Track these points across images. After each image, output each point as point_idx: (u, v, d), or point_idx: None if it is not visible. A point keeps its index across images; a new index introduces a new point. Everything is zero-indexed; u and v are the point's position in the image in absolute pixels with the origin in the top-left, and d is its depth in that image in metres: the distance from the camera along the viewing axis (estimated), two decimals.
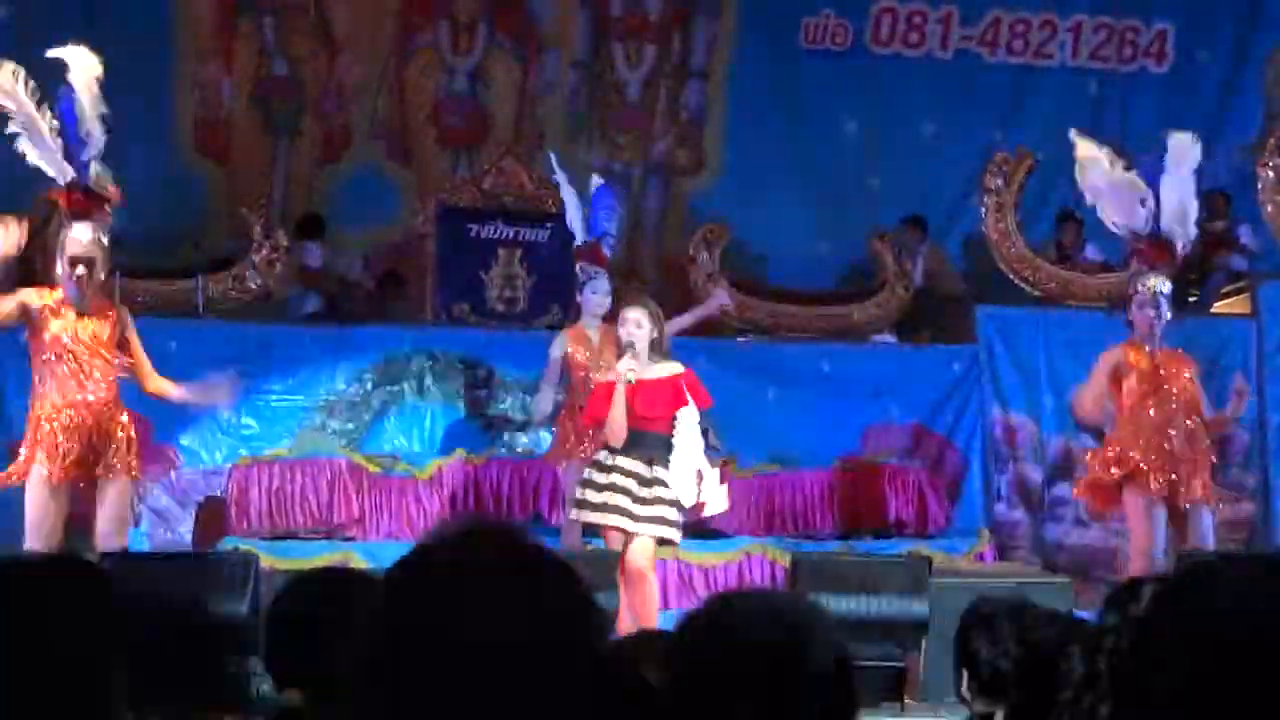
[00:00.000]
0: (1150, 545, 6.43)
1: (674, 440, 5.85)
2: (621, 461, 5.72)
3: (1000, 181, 8.85)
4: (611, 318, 6.54)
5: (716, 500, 5.94)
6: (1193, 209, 6.84)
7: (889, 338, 9.16)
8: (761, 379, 8.53)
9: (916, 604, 6.16)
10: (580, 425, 6.34)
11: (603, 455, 5.82)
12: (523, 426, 8.25)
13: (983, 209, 8.97)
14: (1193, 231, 6.88)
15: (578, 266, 7.13)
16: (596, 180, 7.30)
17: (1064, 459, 8.43)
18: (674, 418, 5.86)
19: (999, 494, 8.51)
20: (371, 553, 6.97)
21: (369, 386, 8.26)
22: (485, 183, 9.04)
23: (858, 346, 8.95)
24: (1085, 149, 6.97)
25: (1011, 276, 8.91)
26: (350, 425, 8.17)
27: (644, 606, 5.82)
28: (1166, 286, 6.74)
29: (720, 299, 7.17)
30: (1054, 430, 8.49)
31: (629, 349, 5.93)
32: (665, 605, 6.87)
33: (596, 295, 6.79)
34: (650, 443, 5.83)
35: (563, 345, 6.84)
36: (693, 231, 9.37)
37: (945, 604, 5.68)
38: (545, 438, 7.96)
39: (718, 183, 10.38)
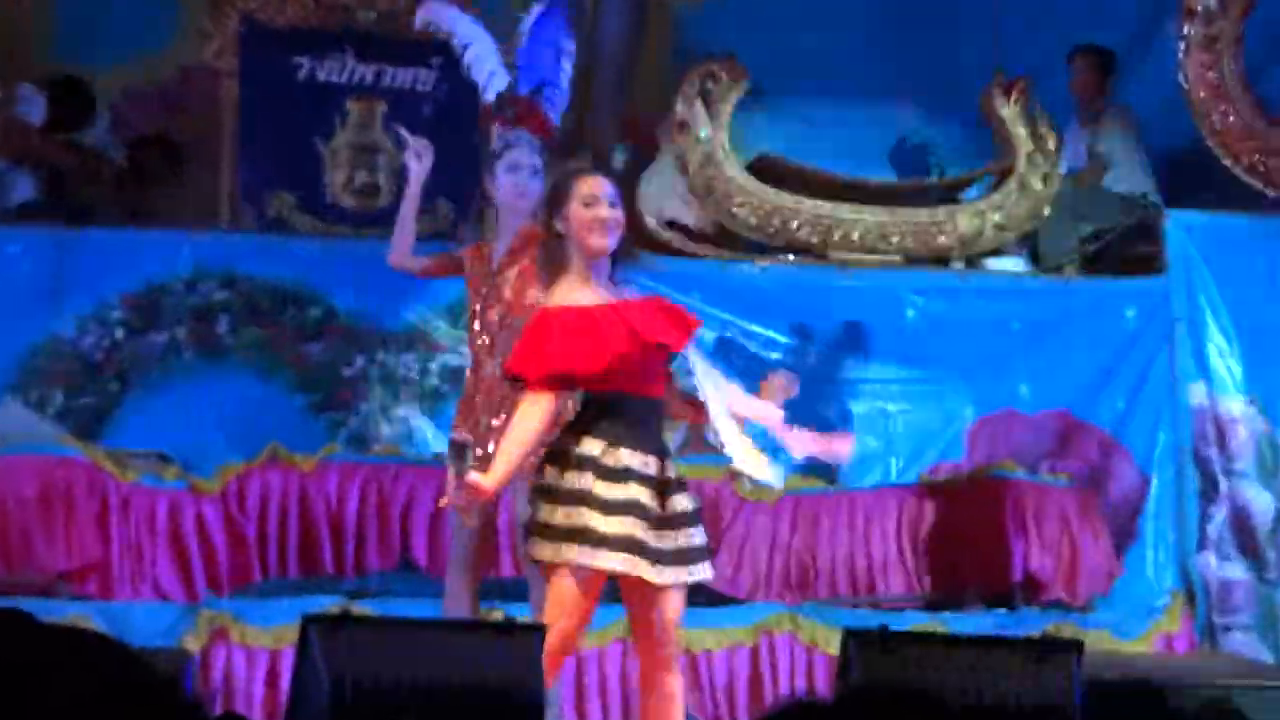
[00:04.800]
0: None
1: (700, 398, 5.81)
2: (632, 460, 5.62)
3: (1213, 1, 8.98)
4: None
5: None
6: None
7: (1016, 264, 9.27)
8: (797, 331, 8.81)
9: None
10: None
11: (589, 445, 5.61)
12: (386, 406, 8.42)
13: (1180, 44, 9.09)
14: None
15: (494, 129, 7.28)
16: None
17: None
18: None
19: (1204, 534, 8.65)
20: (117, 618, 7.08)
21: (118, 335, 8.37)
22: None
23: (962, 278, 9.11)
24: None
25: (1227, 161, 9.07)
26: (85, 401, 8.32)
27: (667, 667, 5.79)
28: None
29: (778, 392, 6.99)
30: None
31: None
32: None
33: (518, 177, 6.77)
34: (652, 419, 5.74)
35: (453, 259, 6.92)
36: (683, 71, 9.36)
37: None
38: (424, 426, 8.20)
39: None
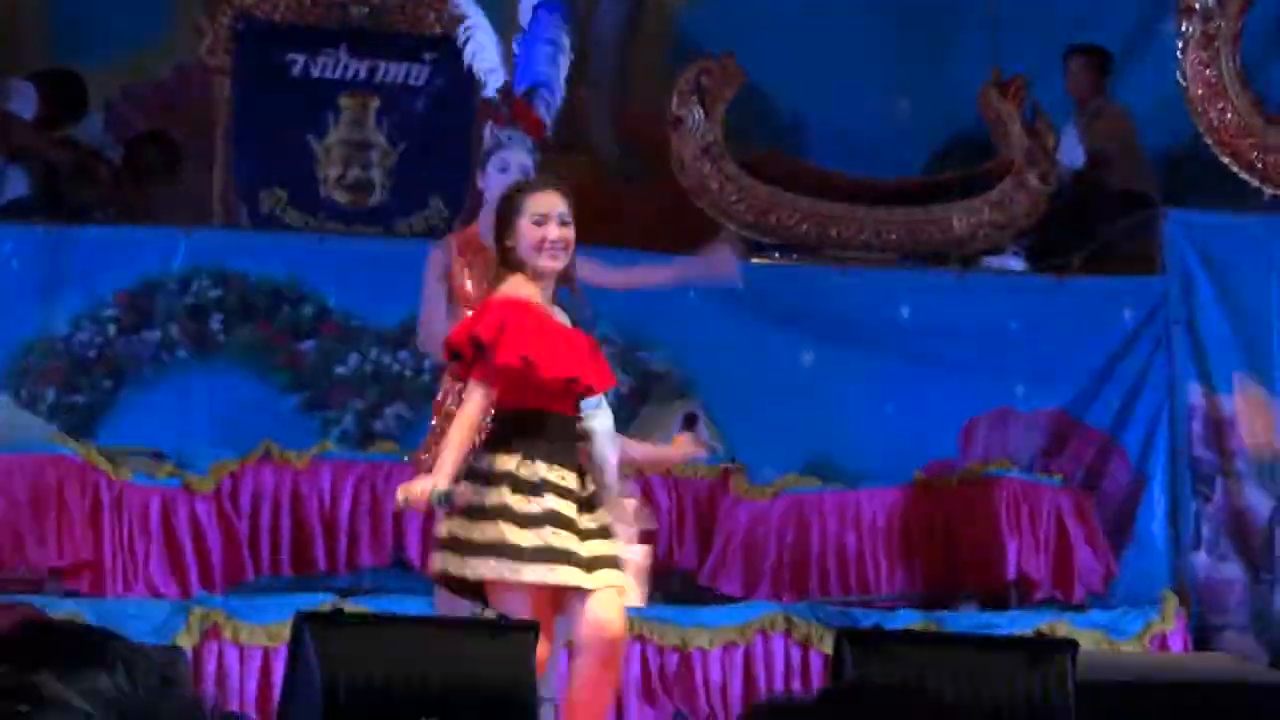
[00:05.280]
0: None
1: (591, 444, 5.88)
2: (549, 473, 5.60)
3: None
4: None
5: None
6: None
7: (1014, 262, 9.26)
8: (793, 330, 8.73)
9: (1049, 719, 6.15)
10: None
11: (505, 461, 5.60)
12: (379, 404, 8.40)
13: (1178, 42, 9.00)
14: None
15: (485, 129, 7.19)
16: None
17: None
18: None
19: (1199, 534, 8.60)
20: (109, 614, 6.98)
21: (111, 332, 8.34)
22: None
23: (960, 277, 9.06)
24: None
25: (1226, 159, 8.97)
26: (78, 399, 8.28)
27: (610, 683, 5.80)
28: None
29: (686, 447, 6.85)
30: None
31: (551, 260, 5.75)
32: (619, 719, 7.12)
33: (508, 177, 6.75)
34: (573, 433, 5.76)
35: (444, 261, 6.83)
36: (679, 70, 9.32)
37: None
38: (418, 423, 8.00)
39: None
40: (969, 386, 8.70)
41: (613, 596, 5.62)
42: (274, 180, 8.89)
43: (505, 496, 5.53)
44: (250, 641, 7.12)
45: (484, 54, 7.34)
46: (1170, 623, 7.96)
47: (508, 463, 5.56)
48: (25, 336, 8.20)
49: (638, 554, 5.94)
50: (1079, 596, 8.06)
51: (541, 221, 5.67)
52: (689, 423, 8.38)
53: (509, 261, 5.72)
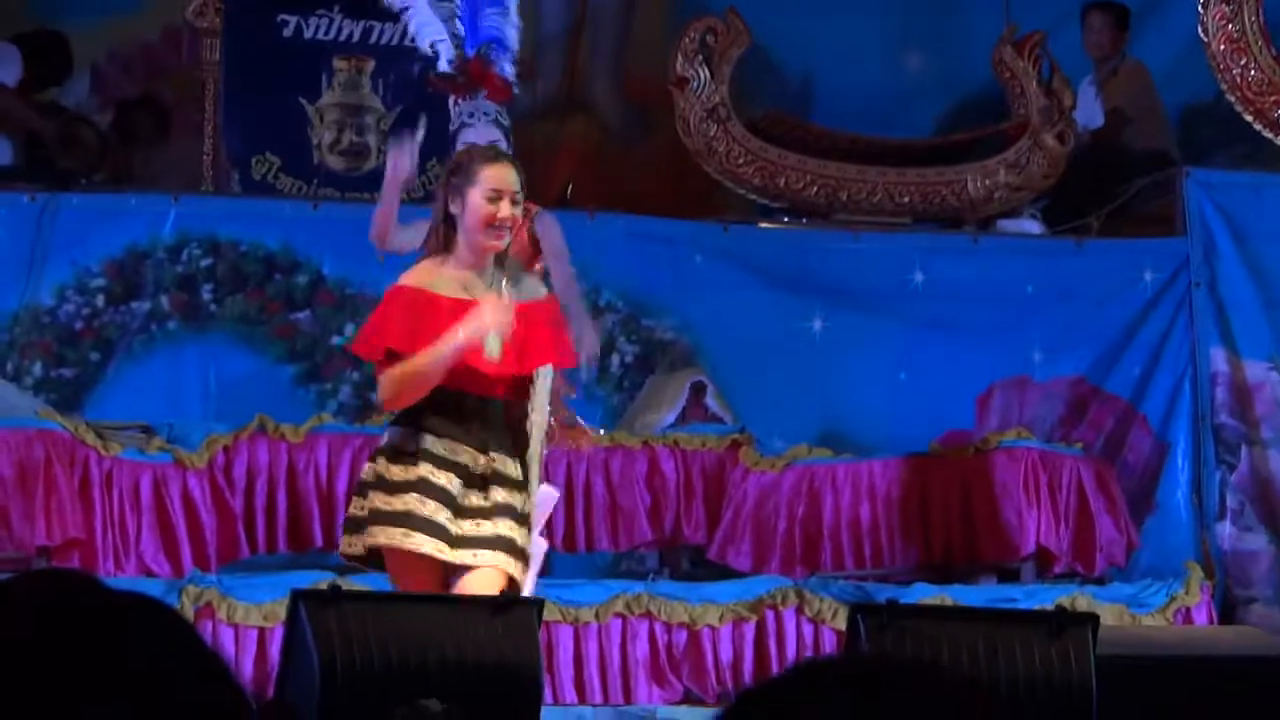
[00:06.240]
0: None
1: (530, 416, 5.78)
2: (435, 445, 5.64)
3: None
4: None
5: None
6: None
7: (1031, 224, 9.28)
8: (802, 296, 8.76)
9: (1071, 695, 6.04)
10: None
11: (392, 434, 5.75)
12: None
13: None
14: None
15: (450, 106, 7.34)
16: None
17: None
18: (533, 376, 5.79)
19: (1223, 504, 8.66)
20: None
21: (99, 303, 8.36)
22: None
23: (975, 240, 9.10)
24: None
25: (1248, 117, 9.00)
26: (65, 372, 8.31)
27: None
28: None
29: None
30: None
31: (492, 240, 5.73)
32: (626, 698, 7.17)
33: None
34: (493, 418, 5.73)
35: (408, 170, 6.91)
36: (681, 30, 9.31)
37: (1123, 696, 5.88)
38: None
39: None
40: (985, 353, 8.76)
41: (489, 577, 5.61)
42: (266, 146, 8.90)
43: (381, 466, 5.61)
44: (245, 621, 7.14)
45: (428, 28, 7.38)
46: (1194, 595, 7.98)
47: (394, 436, 5.65)
48: (10, 308, 8.22)
49: (540, 546, 5.95)
50: (1100, 569, 8.09)
51: (495, 198, 5.61)
52: (696, 392, 8.36)
53: (448, 230, 5.68)
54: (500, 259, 5.70)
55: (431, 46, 7.43)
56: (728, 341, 8.56)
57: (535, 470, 5.79)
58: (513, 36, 7.43)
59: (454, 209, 5.62)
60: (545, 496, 5.94)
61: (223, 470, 7.71)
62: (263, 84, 8.88)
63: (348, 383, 8.42)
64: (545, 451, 5.88)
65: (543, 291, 5.91)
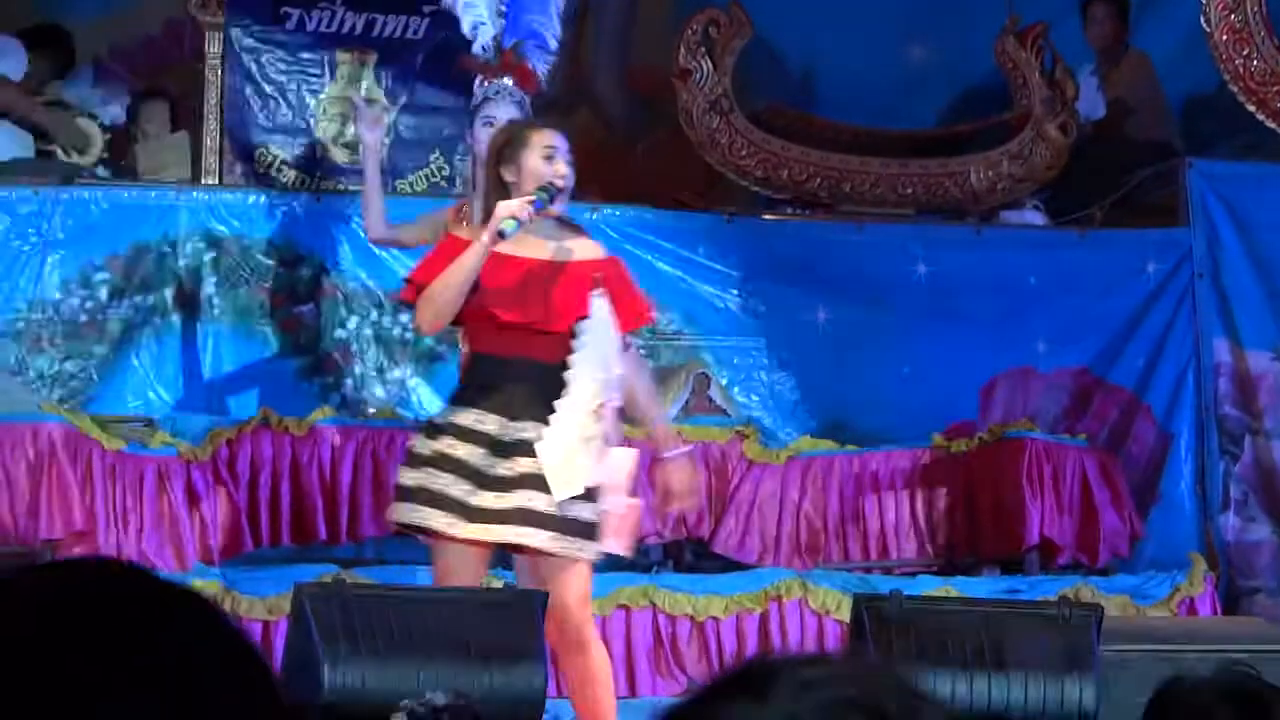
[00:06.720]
0: None
1: (567, 375, 5.70)
2: (462, 416, 5.69)
3: None
4: None
5: (614, 516, 5.81)
6: None
7: (1034, 215, 9.27)
8: (806, 288, 8.75)
9: (1075, 686, 6.12)
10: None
11: (439, 409, 6.01)
12: (380, 368, 8.47)
13: None
14: None
15: (475, 83, 7.28)
16: None
17: None
18: (571, 332, 5.75)
19: (1227, 494, 8.66)
20: None
21: (103, 297, 8.34)
22: None
23: (978, 231, 9.11)
24: None
25: (1251, 107, 8.98)
26: (70, 366, 8.28)
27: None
28: None
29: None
30: None
31: (540, 194, 5.76)
32: (630, 690, 7.16)
33: (493, 131, 6.71)
34: (527, 381, 5.70)
35: (437, 223, 6.95)
36: (684, 22, 9.29)
37: (1126, 687, 5.88)
38: (420, 388, 8.25)
39: None
40: (988, 345, 8.75)
41: (581, 574, 5.70)
42: (269, 139, 8.88)
43: (413, 440, 5.76)
44: (249, 615, 7.15)
45: (473, 8, 7.36)
46: (1198, 586, 7.99)
47: (439, 410, 5.86)
48: (14, 302, 8.20)
49: (619, 506, 5.87)
50: (1104, 560, 8.10)
51: (551, 156, 5.72)
52: (699, 384, 8.37)
53: (496, 200, 5.73)
54: (555, 222, 5.79)
55: (472, 29, 7.42)
56: (731, 334, 8.56)
57: (573, 430, 5.69)
58: (551, 41, 7.46)
59: (509, 176, 5.70)
60: (618, 458, 5.86)
61: (226, 464, 7.71)
62: (265, 77, 8.87)
63: (351, 376, 8.43)
64: (608, 414, 5.80)
65: (600, 253, 5.97)
